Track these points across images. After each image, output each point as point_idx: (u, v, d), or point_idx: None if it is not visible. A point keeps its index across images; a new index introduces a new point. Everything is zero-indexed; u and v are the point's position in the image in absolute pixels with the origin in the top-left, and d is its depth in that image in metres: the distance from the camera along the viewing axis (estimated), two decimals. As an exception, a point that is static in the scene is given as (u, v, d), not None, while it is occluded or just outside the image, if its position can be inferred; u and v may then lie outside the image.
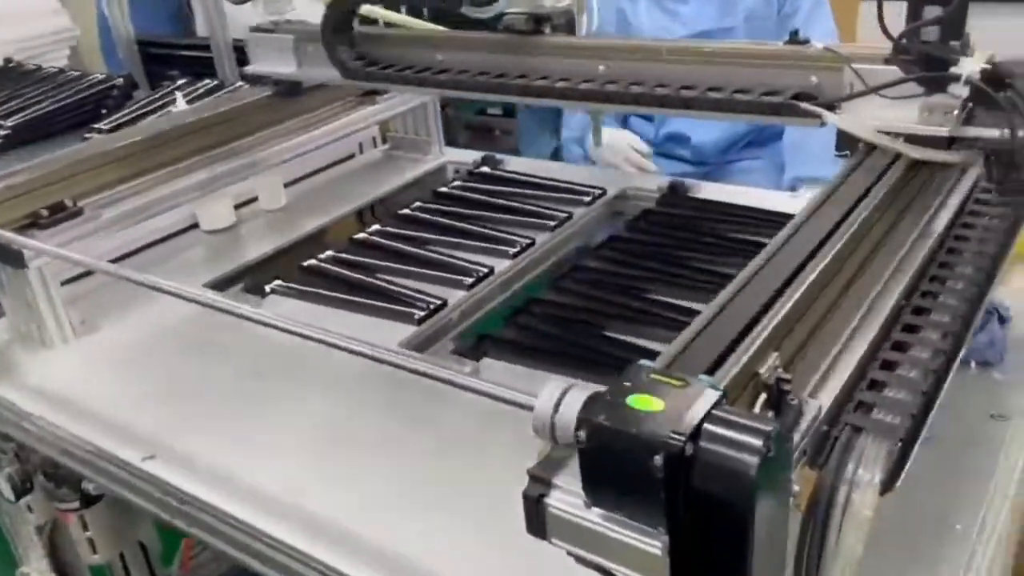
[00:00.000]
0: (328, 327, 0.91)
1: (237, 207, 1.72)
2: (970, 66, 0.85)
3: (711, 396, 0.58)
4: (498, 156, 1.85)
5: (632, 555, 0.61)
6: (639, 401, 0.59)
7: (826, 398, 0.73)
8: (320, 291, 1.37)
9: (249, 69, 1.69)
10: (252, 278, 1.47)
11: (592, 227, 1.58)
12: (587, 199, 1.60)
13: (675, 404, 0.58)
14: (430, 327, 1.26)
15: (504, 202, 1.62)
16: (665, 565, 0.59)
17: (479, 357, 1.19)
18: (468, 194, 1.69)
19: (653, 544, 0.59)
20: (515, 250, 1.43)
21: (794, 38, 1.10)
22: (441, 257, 1.44)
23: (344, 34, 1.46)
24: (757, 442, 0.54)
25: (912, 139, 0.95)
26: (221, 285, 1.45)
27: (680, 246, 1.42)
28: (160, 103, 2.10)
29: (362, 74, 1.45)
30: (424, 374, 0.80)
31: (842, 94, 0.99)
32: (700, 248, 1.40)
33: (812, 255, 0.83)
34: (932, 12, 0.91)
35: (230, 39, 2.29)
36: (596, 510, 0.62)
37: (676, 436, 0.55)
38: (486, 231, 1.51)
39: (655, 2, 2.19)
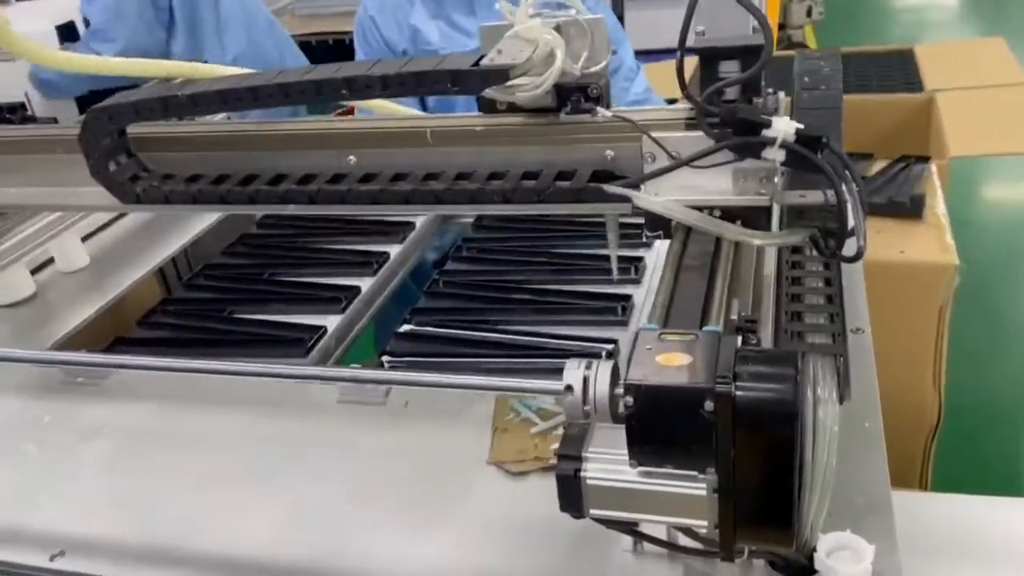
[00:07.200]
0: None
1: (33, 272, 1.55)
2: (784, 127, 0.76)
3: (730, 341, 0.64)
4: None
5: (678, 502, 0.66)
6: (668, 359, 0.64)
7: (766, 334, 0.82)
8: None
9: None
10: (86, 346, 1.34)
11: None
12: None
13: (701, 354, 0.64)
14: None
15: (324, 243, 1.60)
16: (713, 502, 0.65)
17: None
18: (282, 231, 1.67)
19: (699, 487, 0.65)
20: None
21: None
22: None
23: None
24: (790, 371, 0.61)
25: (730, 212, 0.85)
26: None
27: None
28: None
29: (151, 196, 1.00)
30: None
31: (643, 167, 0.86)
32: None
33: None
34: (727, 68, 0.86)
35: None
36: (634, 471, 0.66)
37: (722, 380, 0.61)
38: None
39: (444, 19, 2.18)
